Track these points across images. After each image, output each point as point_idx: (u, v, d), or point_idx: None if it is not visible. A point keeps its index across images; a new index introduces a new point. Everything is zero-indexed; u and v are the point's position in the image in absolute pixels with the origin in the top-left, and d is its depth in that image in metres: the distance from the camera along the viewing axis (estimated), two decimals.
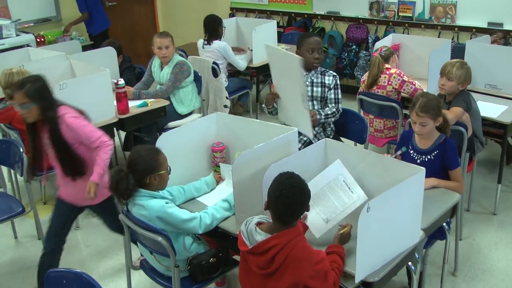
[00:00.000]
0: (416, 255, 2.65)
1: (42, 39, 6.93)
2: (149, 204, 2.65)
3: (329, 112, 3.86)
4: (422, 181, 2.46)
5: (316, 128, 3.93)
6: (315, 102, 3.91)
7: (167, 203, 2.69)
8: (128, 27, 8.35)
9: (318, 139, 3.46)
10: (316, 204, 2.57)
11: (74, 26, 7.21)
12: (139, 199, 2.68)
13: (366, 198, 2.53)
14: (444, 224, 2.99)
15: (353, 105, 4.53)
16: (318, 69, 3.92)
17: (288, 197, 2.23)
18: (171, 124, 4.73)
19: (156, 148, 2.78)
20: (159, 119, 4.59)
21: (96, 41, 6.95)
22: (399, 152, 3.15)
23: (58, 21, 7.46)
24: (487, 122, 4.02)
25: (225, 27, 5.74)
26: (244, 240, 2.33)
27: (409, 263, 2.60)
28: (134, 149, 2.77)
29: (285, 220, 2.27)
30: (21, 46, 5.98)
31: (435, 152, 3.16)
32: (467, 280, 3.53)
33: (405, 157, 3.25)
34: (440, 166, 3.13)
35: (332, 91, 3.89)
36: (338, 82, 3.93)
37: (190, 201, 3.02)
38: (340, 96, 3.93)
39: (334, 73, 3.95)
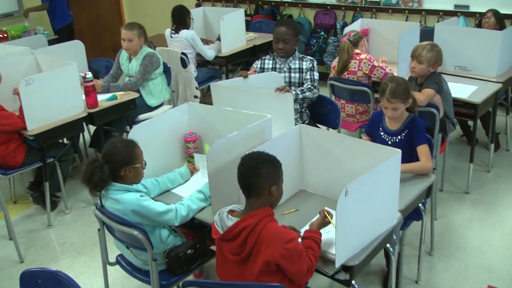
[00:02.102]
0: (394, 237, 2.66)
1: (5, 35, 6.75)
2: (123, 198, 2.59)
3: (304, 88, 3.85)
4: (399, 163, 2.46)
5: (295, 115, 3.92)
6: (293, 88, 3.88)
7: (141, 196, 2.65)
8: (93, 20, 8.19)
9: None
10: None
11: (39, 20, 7.04)
12: (113, 193, 2.62)
13: None
14: (420, 204, 3.02)
15: (324, 91, 4.51)
16: (296, 54, 3.96)
17: (251, 164, 2.27)
18: (141, 116, 4.67)
19: (133, 141, 2.73)
20: (129, 112, 4.52)
21: (60, 35, 6.93)
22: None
23: (21, 15, 7.28)
24: (458, 103, 4.05)
25: (193, 19, 5.67)
26: (217, 228, 2.32)
27: (387, 245, 2.62)
28: (110, 141, 2.71)
29: (254, 191, 2.26)
30: None
31: (405, 132, 3.17)
32: (443, 259, 3.57)
33: (377, 139, 3.25)
34: (411, 145, 3.15)
35: (309, 72, 3.90)
36: (315, 65, 3.95)
37: (165, 193, 2.99)
38: (316, 77, 3.92)
39: (312, 58, 4.00)
